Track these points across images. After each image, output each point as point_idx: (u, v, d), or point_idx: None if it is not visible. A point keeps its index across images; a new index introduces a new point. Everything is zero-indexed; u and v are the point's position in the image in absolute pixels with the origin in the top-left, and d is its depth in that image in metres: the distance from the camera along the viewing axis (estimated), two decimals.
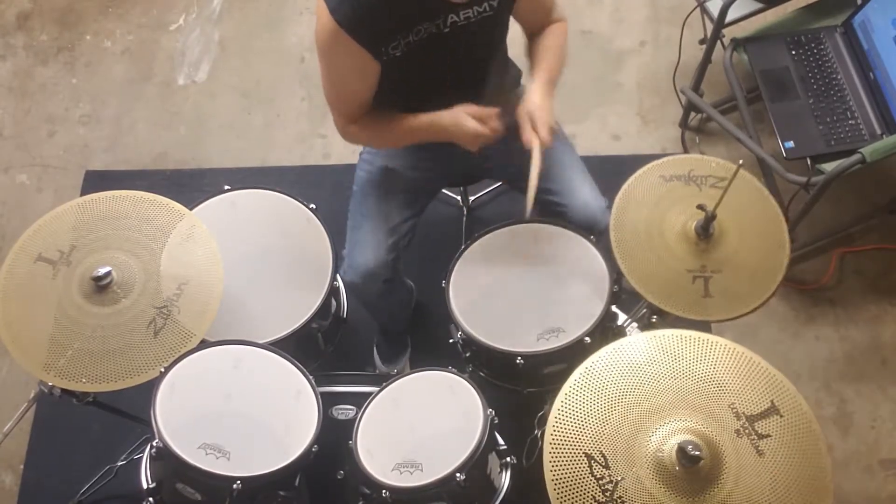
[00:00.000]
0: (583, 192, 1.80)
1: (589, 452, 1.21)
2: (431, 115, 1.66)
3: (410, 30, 1.55)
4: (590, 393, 1.26)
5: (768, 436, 1.23)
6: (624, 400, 1.25)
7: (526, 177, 1.60)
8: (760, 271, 1.51)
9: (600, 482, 1.18)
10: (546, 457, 1.21)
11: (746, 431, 1.23)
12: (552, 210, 1.82)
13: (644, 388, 1.26)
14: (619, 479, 1.18)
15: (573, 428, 1.23)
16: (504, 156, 1.84)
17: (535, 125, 1.61)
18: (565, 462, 1.20)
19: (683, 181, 1.59)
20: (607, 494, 1.17)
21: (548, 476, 1.20)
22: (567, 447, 1.21)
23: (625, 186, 1.60)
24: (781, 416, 1.24)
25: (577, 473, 1.20)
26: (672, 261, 1.53)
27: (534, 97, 1.64)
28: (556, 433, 1.23)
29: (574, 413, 1.24)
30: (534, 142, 1.61)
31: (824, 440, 1.23)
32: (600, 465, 1.19)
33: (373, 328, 2.25)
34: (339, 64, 1.58)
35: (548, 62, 1.70)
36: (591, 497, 1.18)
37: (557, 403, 1.25)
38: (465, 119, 1.61)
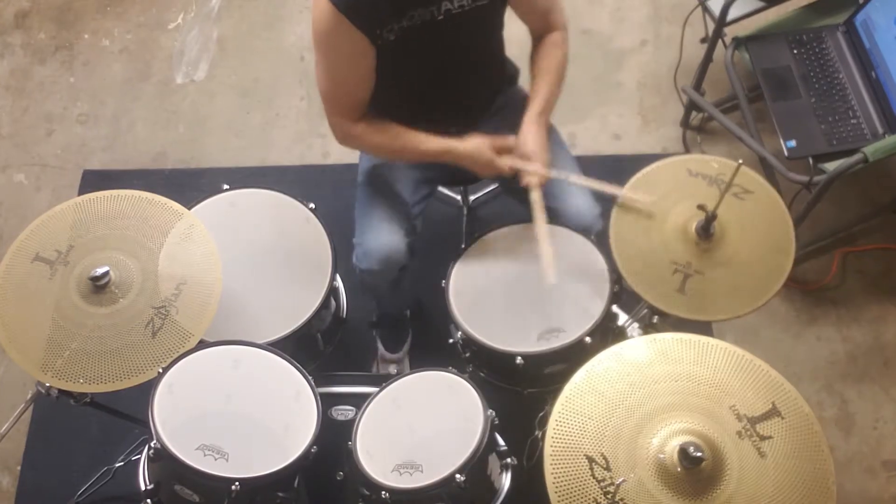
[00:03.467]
0: (576, 198, 1.79)
1: (590, 455, 1.20)
2: (449, 141, 1.68)
3: (404, 14, 1.56)
4: (590, 395, 1.26)
5: (770, 437, 1.22)
6: (625, 402, 1.25)
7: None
8: (756, 278, 1.51)
9: (601, 484, 1.18)
10: (547, 459, 1.20)
11: (748, 433, 1.23)
12: (546, 214, 1.81)
13: (645, 391, 1.26)
14: (621, 480, 1.18)
15: (574, 430, 1.23)
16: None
17: (528, 169, 1.65)
18: (566, 464, 1.20)
19: (708, 182, 1.58)
20: (609, 496, 1.17)
21: (549, 479, 1.19)
22: (568, 449, 1.21)
23: (650, 167, 1.61)
24: (783, 418, 1.24)
25: (578, 476, 1.19)
26: (662, 248, 1.53)
27: (527, 135, 1.67)
28: (556, 436, 1.22)
29: (575, 415, 1.24)
30: (532, 189, 1.64)
31: (826, 442, 1.23)
32: (601, 467, 1.19)
33: (372, 320, 2.23)
34: (336, 51, 1.58)
35: (543, 90, 1.71)
36: (592, 499, 1.17)
37: (558, 406, 1.25)
38: (488, 153, 1.66)
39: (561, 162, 1.82)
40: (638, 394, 1.26)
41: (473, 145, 1.66)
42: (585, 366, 1.29)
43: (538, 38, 1.76)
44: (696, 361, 1.29)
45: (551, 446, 1.21)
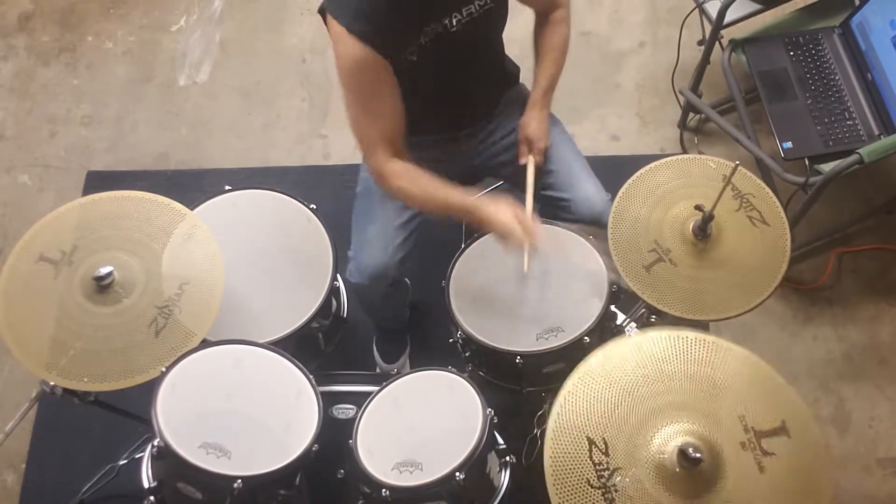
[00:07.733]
0: (585, 186, 1.81)
1: (591, 437, 1.20)
2: (476, 201, 1.62)
3: (420, 31, 1.58)
4: (603, 379, 1.24)
5: (773, 454, 1.20)
6: (635, 393, 1.24)
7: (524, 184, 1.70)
8: (752, 279, 1.52)
9: (597, 467, 1.18)
10: (549, 433, 1.20)
11: (752, 445, 1.20)
12: (555, 205, 1.83)
13: (657, 385, 1.25)
14: (616, 467, 1.17)
15: (581, 410, 1.22)
16: (506, 157, 1.86)
17: (532, 149, 1.78)
18: (567, 441, 1.20)
19: (735, 194, 1.57)
20: (602, 480, 1.17)
21: (547, 451, 1.19)
22: (572, 427, 1.21)
23: (687, 156, 1.64)
24: (790, 438, 1.21)
25: (575, 454, 1.19)
26: (655, 226, 1.56)
27: (531, 120, 1.77)
28: (563, 412, 1.22)
29: (585, 396, 1.23)
30: (529, 163, 1.75)
31: (831, 471, 1.23)
32: (600, 450, 1.18)
33: (372, 327, 2.26)
34: (368, 83, 1.58)
35: (549, 69, 1.79)
36: (584, 480, 1.17)
37: (570, 383, 1.24)
38: (514, 225, 1.56)
39: (563, 152, 1.85)
40: (650, 387, 1.24)
41: (502, 216, 1.57)
42: (603, 349, 1.26)
43: (543, 16, 1.81)
44: (713, 365, 1.26)
45: (556, 420, 1.21)
